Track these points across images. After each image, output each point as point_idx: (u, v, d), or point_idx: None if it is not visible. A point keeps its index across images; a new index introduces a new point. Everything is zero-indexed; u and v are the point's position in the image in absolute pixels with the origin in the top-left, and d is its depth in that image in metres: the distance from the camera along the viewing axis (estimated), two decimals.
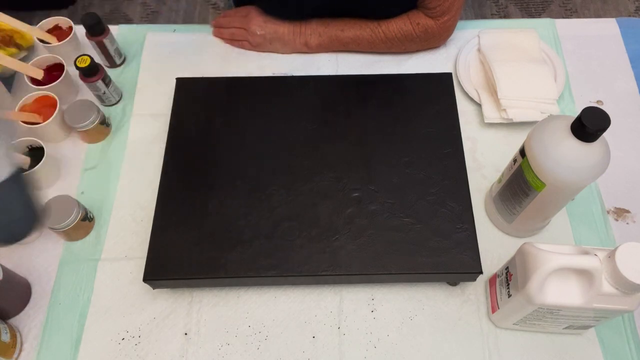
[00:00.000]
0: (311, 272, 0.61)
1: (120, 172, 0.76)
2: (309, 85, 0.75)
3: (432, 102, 0.72)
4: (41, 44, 0.82)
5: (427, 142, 0.69)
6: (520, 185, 0.60)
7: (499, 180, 0.67)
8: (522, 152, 0.58)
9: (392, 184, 0.66)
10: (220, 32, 0.88)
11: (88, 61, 0.75)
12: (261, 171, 0.67)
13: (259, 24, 0.84)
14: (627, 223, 0.71)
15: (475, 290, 0.66)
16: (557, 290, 0.53)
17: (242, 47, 0.86)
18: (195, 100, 0.74)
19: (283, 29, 0.83)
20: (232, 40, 0.87)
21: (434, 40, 0.82)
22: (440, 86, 0.74)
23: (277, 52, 0.86)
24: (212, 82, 0.76)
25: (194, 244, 0.63)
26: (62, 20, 0.85)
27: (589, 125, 0.50)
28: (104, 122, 0.78)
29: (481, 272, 0.61)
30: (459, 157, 0.68)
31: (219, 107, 0.73)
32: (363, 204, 0.65)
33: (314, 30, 0.83)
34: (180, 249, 0.62)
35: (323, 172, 0.67)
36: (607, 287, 0.50)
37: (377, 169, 0.67)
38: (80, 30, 0.84)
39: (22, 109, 0.76)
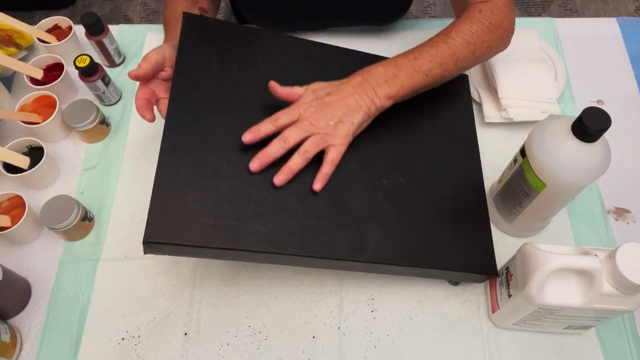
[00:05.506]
0: (335, 256, 0.56)
1: (120, 172, 0.76)
2: (333, 56, 0.70)
3: (449, 99, 0.72)
4: (41, 43, 0.82)
5: (446, 140, 0.69)
6: (520, 185, 0.60)
7: (499, 180, 0.67)
8: (523, 152, 0.58)
9: (417, 176, 0.64)
10: (269, 152, 0.58)
11: (87, 61, 0.75)
12: None
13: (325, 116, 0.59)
14: (627, 223, 0.71)
15: (475, 290, 0.66)
16: (557, 291, 0.53)
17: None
18: (207, 43, 0.63)
19: (351, 100, 0.60)
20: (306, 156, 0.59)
21: (506, 20, 0.68)
22: (456, 85, 0.73)
23: None
24: (228, 27, 0.66)
25: (204, 207, 0.54)
26: (62, 20, 0.85)
27: (590, 125, 0.50)
28: (104, 122, 0.77)
29: (496, 275, 0.61)
30: (476, 158, 0.69)
31: (234, 57, 0.64)
32: (391, 193, 0.62)
33: (383, 80, 0.62)
34: (189, 211, 0.53)
35: (348, 151, 0.61)
36: (607, 287, 0.50)
37: (402, 159, 0.65)
38: (79, 30, 0.84)
39: (22, 108, 0.76)
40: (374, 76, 0.61)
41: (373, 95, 0.61)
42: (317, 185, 0.59)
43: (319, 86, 0.61)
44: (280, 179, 0.57)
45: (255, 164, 0.57)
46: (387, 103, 0.62)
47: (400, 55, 0.65)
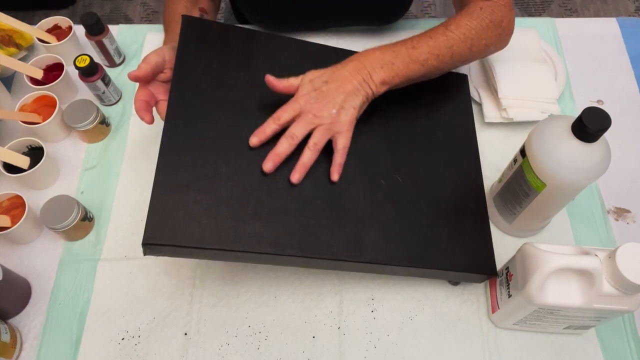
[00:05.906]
0: (335, 257, 0.56)
1: (120, 172, 0.76)
2: (332, 56, 0.69)
3: (449, 99, 0.73)
4: (41, 43, 0.82)
5: (446, 140, 0.69)
6: (520, 185, 0.60)
7: (499, 180, 0.67)
8: (523, 152, 0.58)
9: (417, 176, 0.65)
10: (280, 151, 0.58)
11: (87, 61, 0.75)
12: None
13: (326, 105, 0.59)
14: (627, 223, 0.71)
15: (475, 290, 0.66)
16: (557, 291, 0.53)
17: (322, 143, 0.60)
18: (207, 46, 0.64)
19: (348, 85, 0.60)
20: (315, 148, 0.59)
21: (505, 19, 0.68)
22: (456, 85, 0.74)
23: None
24: (227, 30, 0.67)
25: (203, 209, 0.54)
26: (62, 20, 0.85)
27: (590, 125, 0.50)
28: (104, 122, 0.77)
29: (496, 275, 0.61)
30: (476, 158, 0.69)
31: (234, 58, 0.64)
32: (390, 193, 0.62)
33: (379, 66, 0.63)
34: (188, 212, 0.54)
35: (347, 153, 0.61)
36: (607, 287, 0.50)
37: (401, 159, 0.65)
38: (80, 30, 0.84)
39: (22, 108, 0.76)
40: (370, 60, 0.62)
41: (369, 79, 0.61)
42: (335, 176, 0.60)
43: (314, 75, 0.61)
44: (296, 177, 0.58)
45: (269, 164, 0.57)
46: (382, 89, 0.62)
47: (399, 42, 0.65)
